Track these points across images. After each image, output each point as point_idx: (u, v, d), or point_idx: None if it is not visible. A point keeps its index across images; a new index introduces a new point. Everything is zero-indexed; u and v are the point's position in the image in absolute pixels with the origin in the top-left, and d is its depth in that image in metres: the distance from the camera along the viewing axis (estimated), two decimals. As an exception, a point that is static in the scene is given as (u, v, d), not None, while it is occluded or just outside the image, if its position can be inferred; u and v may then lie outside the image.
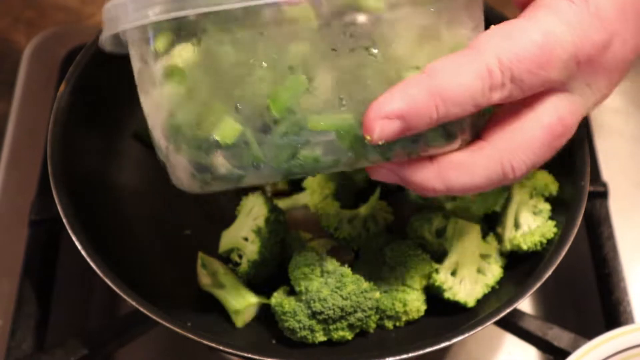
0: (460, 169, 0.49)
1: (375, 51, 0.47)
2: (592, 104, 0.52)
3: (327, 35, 0.46)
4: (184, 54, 0.48)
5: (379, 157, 0.49)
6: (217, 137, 0.48)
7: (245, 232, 0.64)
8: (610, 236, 0.72)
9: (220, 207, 0.69)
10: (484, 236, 0.64)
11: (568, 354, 0.61)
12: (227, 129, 0.48)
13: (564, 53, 0.48)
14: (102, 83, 0.66)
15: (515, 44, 0.47)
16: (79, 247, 0.57)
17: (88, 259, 0.57)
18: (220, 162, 0.49)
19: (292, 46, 0.46)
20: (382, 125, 0.46)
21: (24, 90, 0.84)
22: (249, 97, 0.47)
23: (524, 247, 0.62)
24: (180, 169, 0.51)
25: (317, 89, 0.47)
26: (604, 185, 0.74)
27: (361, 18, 0.46)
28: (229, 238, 0.66)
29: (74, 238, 0.58)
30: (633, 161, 0.81)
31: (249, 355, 0.55)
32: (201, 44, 0.47)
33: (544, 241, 0.62)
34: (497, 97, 0.47)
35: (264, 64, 0.47)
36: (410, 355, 0.55)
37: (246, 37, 0.46)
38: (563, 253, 0.59)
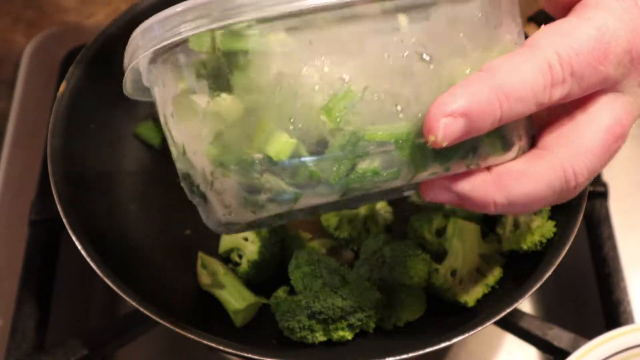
0: (521, 178, 0.47)
1: (426, 57, 0.45)
2: None
3: (377, 41, 0.45)
4: (231, 70, 0.45)
5: (438, 167, 0.47)
6: (270, 154, 0.45)
7: (245, 233, 0.64)
8: (610, 236, 0.72)
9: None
10: (484, 236, 0.64)
11: (568, 354, 0.61)
12: (281, 145, 0.45)
13: (619, 47, 0.47)
14: (102, 83, 0.66)
15: (572, 39, 0.46)
16: (79, 247, 0.57)
17: (88, 259, 0.57)
18: (275, 181, 0.46)
19: (343, 54, 0.45)
20: (445, 124, 0.43)
21: (24, 90, 0.84)
22: (303, 110, 0.45)
23: (524, 247, 0.62)
24: (230, 195, 0.48)
25: (373, 98, 0.45)
26: (604, 185, 0.74)
27: (409, 22, 0.45)
28: (229, 238, 0.66)
29: (74, 238, 0.58)
30: (633, 161, 0.81)
31: (249, 355, 0.55)
32: (248, 58, 0.44)
33: (544, 241, 0.62)
34: (557, 94, 0.46)
35: (316, 75, 0.44)
36: (410, 355, 0.55)
37: (295, 48, 0.44)
38: (563, 253, 0.59)
